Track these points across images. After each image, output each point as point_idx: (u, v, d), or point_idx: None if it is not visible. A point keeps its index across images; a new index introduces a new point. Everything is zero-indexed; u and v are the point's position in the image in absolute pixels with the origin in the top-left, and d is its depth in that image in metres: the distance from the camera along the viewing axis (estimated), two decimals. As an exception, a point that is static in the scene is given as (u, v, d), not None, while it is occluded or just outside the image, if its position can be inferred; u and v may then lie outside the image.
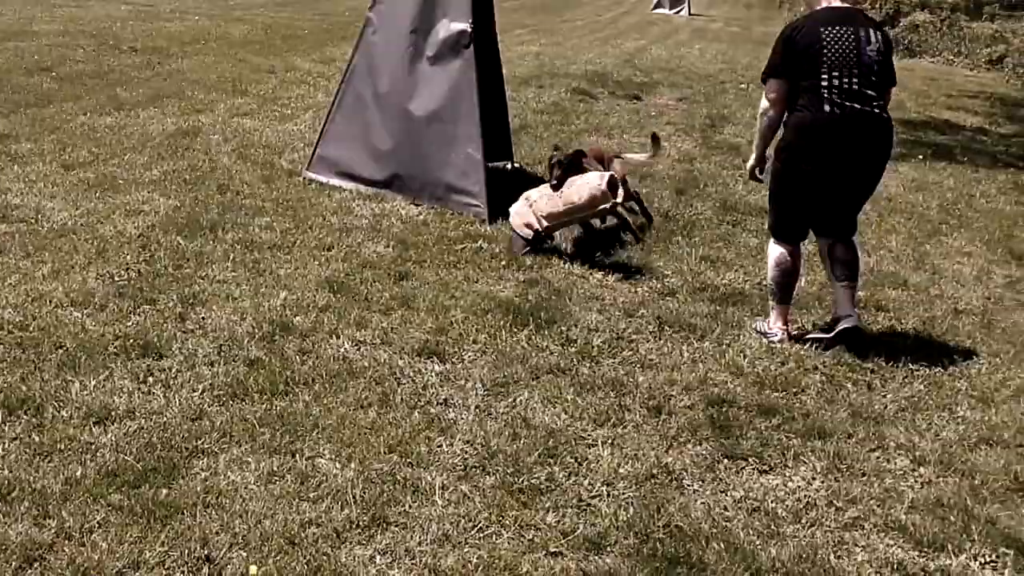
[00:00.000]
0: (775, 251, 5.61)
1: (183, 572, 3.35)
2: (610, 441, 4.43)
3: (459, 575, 3.47)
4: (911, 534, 3.94)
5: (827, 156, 5.38)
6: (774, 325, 5.64)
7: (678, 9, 30.87)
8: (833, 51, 5.32)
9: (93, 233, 6.37)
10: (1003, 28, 23.70)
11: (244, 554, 3.45)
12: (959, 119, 14.77)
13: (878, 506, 4.13)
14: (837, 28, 5.36)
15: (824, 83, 5.31)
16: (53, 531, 3.48)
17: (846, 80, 5.32)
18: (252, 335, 5.11)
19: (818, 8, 5.55)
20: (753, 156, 5.86)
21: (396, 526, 3.69)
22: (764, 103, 5.56)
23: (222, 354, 4.89)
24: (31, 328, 4.98)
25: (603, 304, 5.98)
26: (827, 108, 5.32)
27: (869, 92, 5.38)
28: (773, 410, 4.82)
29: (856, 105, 5.34)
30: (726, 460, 4.38)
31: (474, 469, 4.11)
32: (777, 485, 4.24)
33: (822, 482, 4.28)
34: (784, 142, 5.54)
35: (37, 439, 4.02)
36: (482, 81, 7.39)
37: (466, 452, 4.22)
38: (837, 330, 5.53)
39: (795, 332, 5.71)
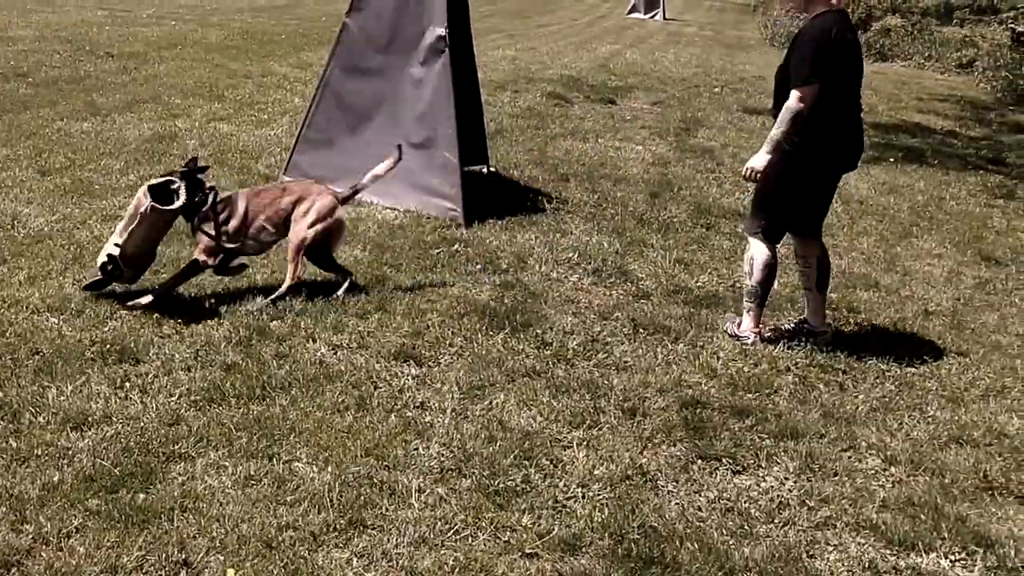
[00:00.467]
0: (763, 253, 5.62)
1: (161, 576, 3.37)
2: (585, 443, 4.47)
3: (436, 576, 3.51)
4: (882, 533, 4.00)
5: (842, 158, 5.56)
6: (746, 328, 5.69)
7: (653, 14, 30.96)
8: (853, 57, 5.45)
9: (70, 239, 6.36)
10: (973, 33, 23.87)
11: (221, 558, 3.47)
12: (930, 122, 14.90)
13: (850, 505, 4.19)
14: (851, 34, 5.49)
15: (845, 89, 5.41)
16: (31, 536, 3.49)
17: (855, 86, 5.50)
18: (229, 340, 5.12)
19: (825, 11, 5.40)
20: (768, 157, 5.38)
21: (373, 529, 3.72)
22: (798, 104, 5.26)
23: (199, 359, 4.90)
24: (8, 334, 4.98)
25: (578, 307, 6.03)
26: (845, 113, 5.46)
27: (861, 95, 5.64)
28: (746, 411, 4.87)
29: (860, 108, 5.59)
30: (700, 461, 4.43)
31: (450, 472, 4.14)
32: (750, 485, 4.29)
33: (795, 482, 4.34)
34: (803, 146, 5.37)
35: (14, 444, 4.02)
36: (458, 85, 7.43)
37: (442, 455, 4.25)
38: (817, 344, 5.67)
39: (767, 334, 5.77)
